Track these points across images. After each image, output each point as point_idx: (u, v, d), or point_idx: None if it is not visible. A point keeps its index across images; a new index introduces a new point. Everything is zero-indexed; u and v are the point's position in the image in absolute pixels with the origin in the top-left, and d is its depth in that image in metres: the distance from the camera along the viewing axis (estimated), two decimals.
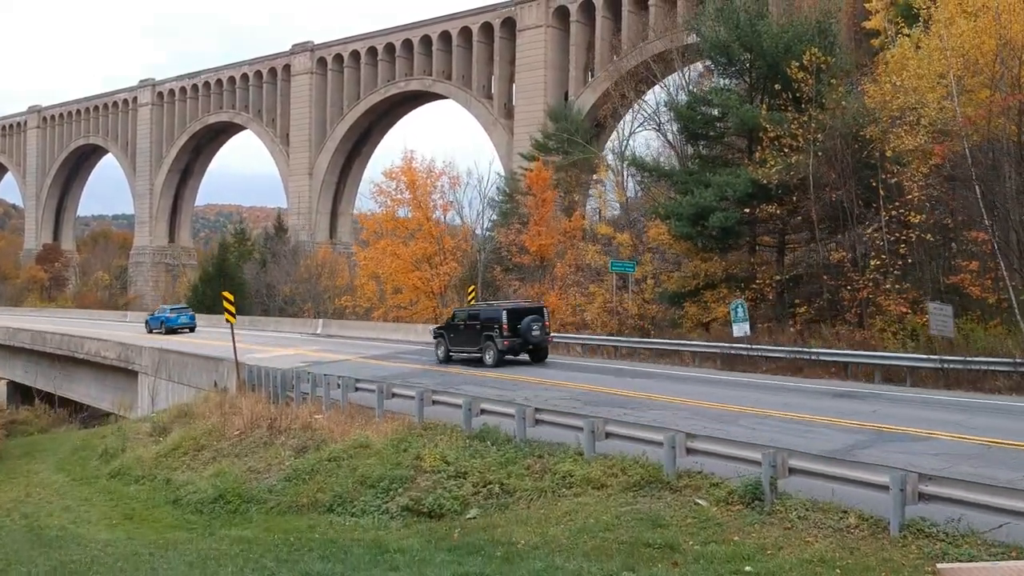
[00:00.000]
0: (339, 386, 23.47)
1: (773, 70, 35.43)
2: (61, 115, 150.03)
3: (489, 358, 30.31)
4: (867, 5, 56.13)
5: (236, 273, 69.70)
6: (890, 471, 11.57)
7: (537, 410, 17.30)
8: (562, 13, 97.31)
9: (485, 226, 56.06)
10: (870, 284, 29.86)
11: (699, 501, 13.46)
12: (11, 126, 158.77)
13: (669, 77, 56.54)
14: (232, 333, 28.23)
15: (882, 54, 41.95)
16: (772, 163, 32.59)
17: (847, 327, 31.45)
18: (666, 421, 18.65)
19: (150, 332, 51.73)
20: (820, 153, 32.20)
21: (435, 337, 33.59)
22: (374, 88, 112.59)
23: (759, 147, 34.39)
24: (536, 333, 30.48)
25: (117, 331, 48.61)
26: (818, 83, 33.66)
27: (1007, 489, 10.85)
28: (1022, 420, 17.51)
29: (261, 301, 71.82)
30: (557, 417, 16.78)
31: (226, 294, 27.90)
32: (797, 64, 33.19)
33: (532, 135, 79.99)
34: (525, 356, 31.13)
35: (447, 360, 32.08)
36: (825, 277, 31.44)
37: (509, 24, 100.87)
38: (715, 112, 38.04)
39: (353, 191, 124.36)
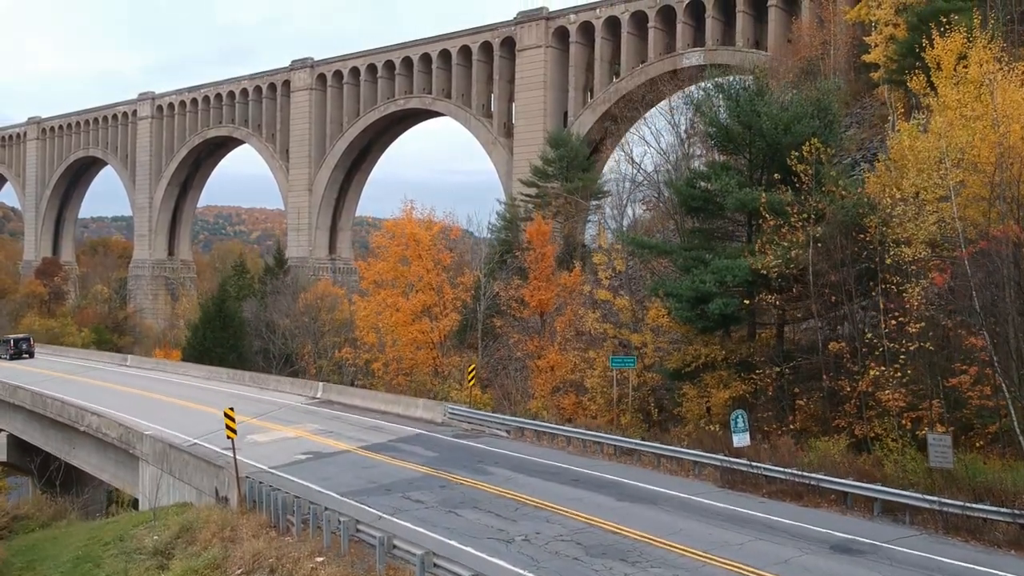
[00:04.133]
0: (340, 522, 23.62)
1: (773, 149, 35.39)
2: (60, 127, 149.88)
3: (9, 357, 73.03)
4: (866, 39, 56.13)
5: (236, 314, 69.79)
6: None
7: None
8: (562, 34, 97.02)
9: (486, 274, 55.93)
10: (869, 378, 29.99)
11: None
12: (10, 137, 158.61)
13: (664, 133, 56.52)
14: (233, 447, 28.32)
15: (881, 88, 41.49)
16: (771, 255, 32.61)
17: (846, 419, 31.54)
18: None
19: None
20: (820, 244, 32.18)
21: None
22: (373, 105, 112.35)
23: (759, 238, 34.34)
24: (25, 347, 75.23)
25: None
26: (818, 163, 33.64)
27: None
28: None
29: (261, 337, 71.95)
30: None
31: (229, 411, 27.96)
32: (796, 155, 33.18)
33: (531, 161, 79.99)
34: (27, 356, 74.50)
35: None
36: (825, 377, 31.47)
37: (509, 44, 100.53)
38: (714, 188, 38.00)
39: (352, 207, 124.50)
